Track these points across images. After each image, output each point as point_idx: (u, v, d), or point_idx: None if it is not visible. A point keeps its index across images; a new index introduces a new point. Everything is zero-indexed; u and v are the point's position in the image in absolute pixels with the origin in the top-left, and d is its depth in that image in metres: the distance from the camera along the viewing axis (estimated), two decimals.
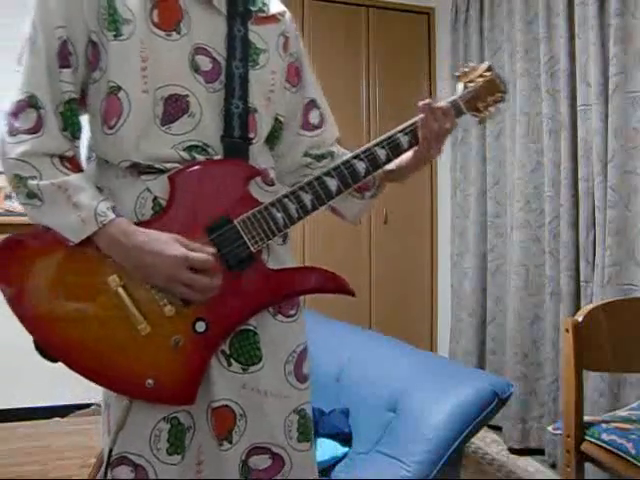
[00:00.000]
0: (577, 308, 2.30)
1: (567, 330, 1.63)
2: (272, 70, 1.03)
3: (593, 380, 2.14)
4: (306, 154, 1.14)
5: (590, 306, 1.72)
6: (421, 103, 1.04)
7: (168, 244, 0.88)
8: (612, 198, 2.12)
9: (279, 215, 0.97)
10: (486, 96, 1.12)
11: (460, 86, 1.12)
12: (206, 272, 0.90)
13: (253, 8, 1.02)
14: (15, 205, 2.79)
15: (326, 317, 2.60)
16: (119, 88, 0.92)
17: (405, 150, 1.06)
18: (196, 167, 0.94)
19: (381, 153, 1.04)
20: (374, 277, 3.42)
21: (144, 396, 0.92)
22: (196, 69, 0.95)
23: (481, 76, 1.12)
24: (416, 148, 1.06)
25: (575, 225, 2.38)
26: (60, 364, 0.91)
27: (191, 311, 0.92)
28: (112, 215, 0.89)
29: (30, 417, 2.31)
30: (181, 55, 0.94)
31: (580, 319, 1.64)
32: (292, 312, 1.04)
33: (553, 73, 2.47)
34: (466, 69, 1.13)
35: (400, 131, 1.05)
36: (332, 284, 1.03)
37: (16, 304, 0.90)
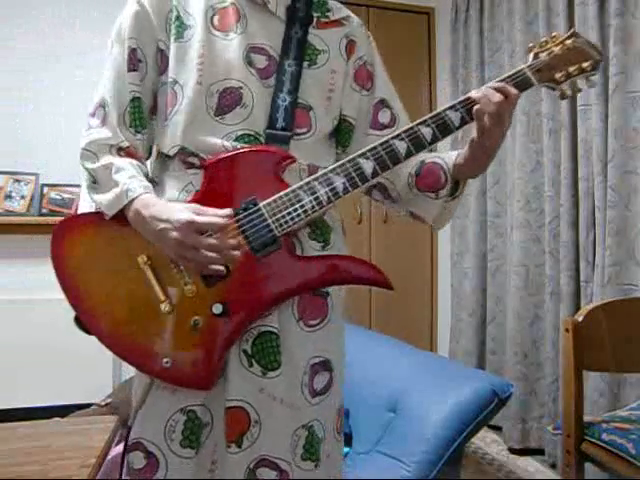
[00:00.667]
0: (577, 308, 2.30)
1: (567, 330, 1.63)
2: (332, 69, 1.04)
3: (593, 380, 2.14)
4: None
5: (590, 306, 1.72)
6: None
7: (179, 211, 0.90)
8: (612, 198, 2.11)
9: (307, 198, 0.95)
10: (567, 65, 0.97)
11: (531, 56, 0.98)
12: (215, 234, 0.89)
13: (315, 14, 1.06)
14: (15, 205, 2.79)
15: None
16: (175, 82, 1.00)
17: (456, 128, 0.97)
18: (228, 154, 0.96)
19: (425, 132, 0.97)
20: None
21: (161, 375, 0.94)
22: (250, 64, 0.99)
23: (560, 44, 0.98)
24: (472, 134, 0.96)
25: (575, 225, 2.38)
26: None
27: (212, 293, 0.93)
28: (141, 191, 0.94)
29: (30, 417, 2.30)
30: (236, 51, 0.99)
31: (580, 319, 1.64)
32: (313, 322, 1.01)
33: None
34: (544, 39, 0.98)
35: (449, 107, 0.97)
36: (366, 275, 0.99)
37: (62, 277, 0.97)
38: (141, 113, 1.02)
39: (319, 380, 1.01)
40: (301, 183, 0.95)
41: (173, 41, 1.00)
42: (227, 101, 0.98)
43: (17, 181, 2.80)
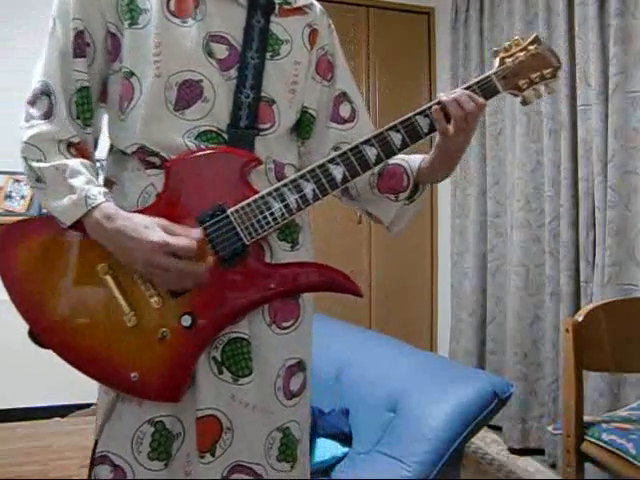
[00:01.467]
0: (577, 308, 2.30)
1: (567, 330, 1.63)
2: (295, 61, 1.00)
3: (593, 380, 2.14)
4: (336, 148, 1.05)
5: (590, 306, 1.72)
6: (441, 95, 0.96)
7: (148, 228, 0.85)
8: (612, 198, 2.11)
9: (277, 205, 0.92)
10: (529, 72, 0.99)
11: (496, 62, 1.00)
12: (188, 258, 0.86)
13: (277, 0, 1.00)
14: (15, 205, 2.79)
15: (326, 317, 2.60)
16: (131, 73, 0.92)
17: (425, 134, 0.97)
18: (191, 155, 0.91)
19: (395, 137, 0.95)
20: (374, 277, 3.42)
21: (128, 390, 0.90)
22: (210, 54, 0.93)
23: (524, 50, 0.99)
24: (437, 141, 0.97)
25: (575, 225, 2.37)
26: (58, 362, 0.90)
27: (179, 304, 0.89)
28: (102, 199, 0.87)
29: (30, 417, 2.30)
30: (195, 40, 0.93)
31: (580, 319, 1.64)
32: (287, 324, 0.98)
33: None
34: (507, 44, 1.00)
35: (419, 113, 0.96)
36: (336, 283, 0.96)
37: (12, 288, 0.90)
38: (89, 104, 0.94)
39: (295, 381, 1.00)
40: (270, 189, 0.92)
41: (127, 27, 0.92)
42: (186, 95, 0.92)
43: (17, 181, 2.80)
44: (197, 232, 0.88)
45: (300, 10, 1.03)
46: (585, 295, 2.32)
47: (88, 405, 2.56)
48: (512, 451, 2.62)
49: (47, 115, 0.91)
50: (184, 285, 0.88)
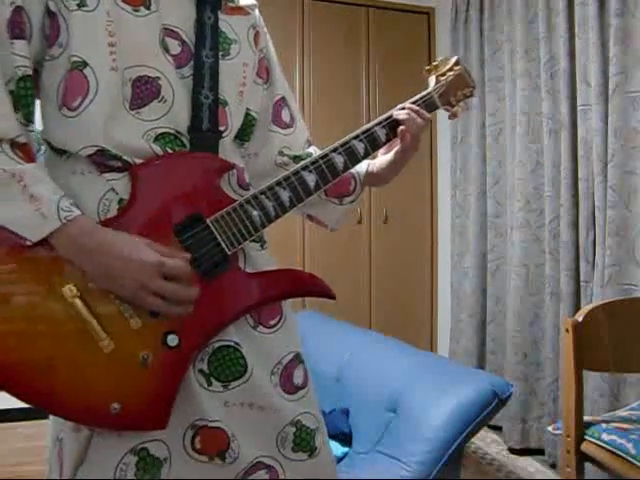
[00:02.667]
0: (577, 308, 2.30)
1: (567, 330, 1.63)
2: (244, 62, 0.97)
3: (593, 380, 2.14)
4: (281, 153, 1.08)
5: (590, 306, 1.72)
6: (397, 107, 1.05)
7: (139, 247, 0.78)
8: (612, 198, 2.11)
9: (255, 213, 0.90)
10: (456, 90, 1.12)
11: (432, 79, 1.12)
12: (180, 281, 0.80)
13: None
14: None
15: (326, 317, 2.60)
16: (85, 64, 0.81)
17: (383, 144, 1.04)
18: (161, 159, 0.85)
19: (359, 146, 1.01)
20: (374, 277, 3.42)
21: (109, 423, 0.80)
22: (166, 50, 0.87)
23: (451, 69, 1.13)
24: (396, 148, 1.05)
25: (575, 225, 2.38)
26: None
27: (160, 323, 0.82)
28: (77, 211, 0.78)
29: (30, 417, 2.30)
30: (150, 33, 0.85)
31: (580, 319, 1.64)
32: (273, 322, 0.97)
33: (553, 73, 2.47)
34: (435, 62, 1.15)
35: (377, 124, 1.03)
36: (312, 287, 0.97)
37: None
38: (32, 97, 0.82)
39: (298, 374, 0.99)
40: (248, 197, 0.90)
41: (76, 7, 0.81)
42: (141, 92, 0.84)
43: None
44: (186, 255, 0.83)
45: (243, 10, 1.00)
46: (585, 295, 2.32)
47: None
48: (512, 451, 2.62)
49: None
50: (174, 310, 0.81)
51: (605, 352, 1.66)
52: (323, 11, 3.30)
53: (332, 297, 0.96)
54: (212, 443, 0.88)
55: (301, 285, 0.97)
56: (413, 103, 1.07)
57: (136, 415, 0.81)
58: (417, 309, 3.54)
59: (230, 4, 0.97)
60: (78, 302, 0.77)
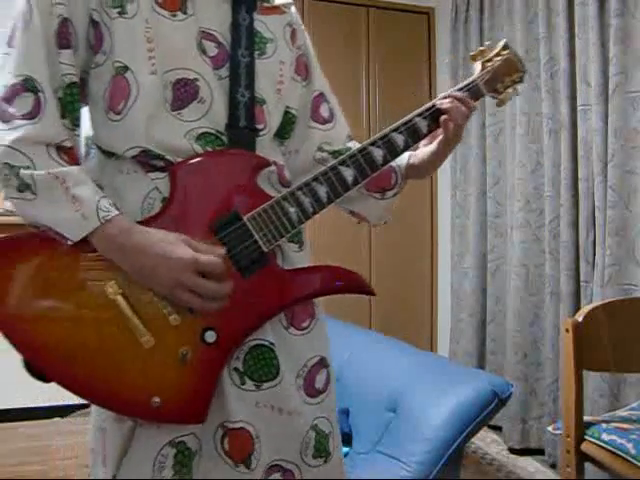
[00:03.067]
0: (577, 308, 2.30)
1: (567, 330, 1.63)
2: (280, 60, 0.98)
3: (593, 380, 2.14)
4: (320, 149, 1.07)
5: (590, 306, 1.72)
6: (441, 95, 1.01)
7: (174, 245, 0.80)
8: (612, 198, 2.11)
9: (292, 210, 0.89)
10: (504, 76, 1.06)
11: (478, 66, 1.06)
12: (216, 277, 0.82)
13: None
14: None
15: (326, 317, 2.59)
16: (126, 68, 0.85)
17: (424, 135, 1.00)
18: (199, 158, 0.87)
19: (399, 139, 0.97)
20: (374, 277, 3.42)
21: (150, 416, 0.84)
22: (204, 52, 0.89)
23: (498, 55, 1.06)
24: (439, 138, 1.01)
25: (575, 225, 2.38)
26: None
27: (199, 320, 0.84)
28: (115, 211, 0.81)
29: (30, 417, 2.30)
30: (188, 36, 0.88)
31: (580, 319, 1.64)
32: (305, 324, 0.97)
33: (553, 73, 2.47)
34: (482, 47, 1.08)
35: (418, 115, 0.99)
36: (349, 283, 0.96)
37: (4, 322, 0.80)
38: (78, 102, 0.87)
39: (320, 379, 0.99)
40: (285, 193, 0.90)
41: (117, 15, 0.84)
42: (181, 94, 0.87)
43: None
44: (221, 250, 0.84)
45: (279, 9, 1.01)
46: (585, 295, 2.32)
47: (88, 405, 2.56)
48: (512, 451, 2.62)
49: (32, 115, 0.80)
50: (208, 306, 0.83)
51: (605, 352, 1.67)
52: (323, 11, 3.31)
53: (371, 293, 0.95)
54: (239, 446, 0.89)
55: (338, 280, 0.96)
56: (457, 91, 1.03)
57: (176, 409, 0.84)
58: (417, 309, 3.54)
59: (265, 4, 0.99)
60: (120, 299, 0.81)
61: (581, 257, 2.34)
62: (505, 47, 1.07)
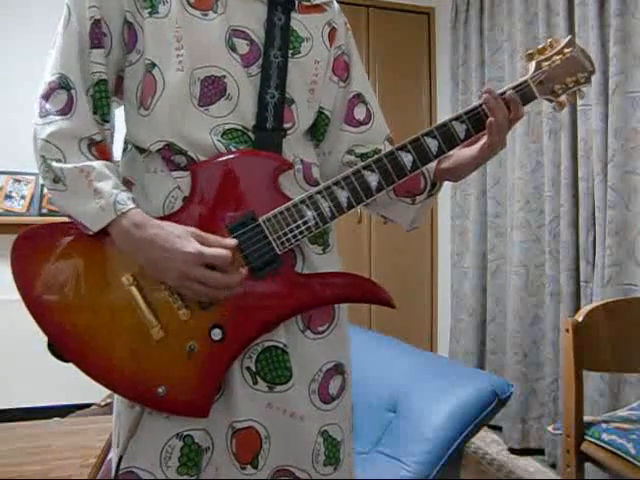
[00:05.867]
0: (577, 308, 2.30)
1: (567, 330, 1.63)
2: (315, 59, 0.97)
3: (593, 380, 2.14)
4: (350, 152, 1.04)
5: (590, 306, 1.72)
6: (484, 89, 0.92)
7: (182, 238, 0.82)
8: (612, 198, 2.12)
9: (310, 213, 0.88)
10: (565, 77, 0.96)
11: (532, 65, 0.95)
12: (223, 269, 0.83)
13: None
14: (15, 205, 2.79)
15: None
16: (154, 65, 0.89)
17: (461, 141, 0.93)
18: (220, 158, 0.88)
19: (431, 143, 0.92)
20: (374, 277, 3.41)
21: (154, 404, 0.87)
22: (233, 49, 0.90)
23: (560, 53, 0.95)
24: (481, 142, 0.93)
25: (575, 225, 2.38)
26: (70, 365, 0.87)
27: (208, 316, 0.86)
28: (131, 205, 0.84)
29: (30, 417, 2.31)
30: (217, 34, 0.90)
31: (580, 319, 1.64)
32: (322, 328, 0.96)
33: None
34: (542, 45, 0.97)
35: (455, 118, 0.93)
36: (370, 294, 0.93)
37: (30, 299, 0.86)
38: (108, 98, 0.91)
39: (334, 385, 0.98)
40: (303, 196, 0.89)
41: (148, 15, 0.88)
42: (210, 91, 0.89)
43: (17, 181, 2.80)
44: (231, 241, 0.85)
45: (319, 7, 1.00)
46: (585, 295, 2.32)
47: (88, 405, 2.56)
48: (512, 451, 2.62)
49: (65, 111, 0.86)
50: (217, 297, 0.85)
51: (605, 352, 1.67)
52: None
53: (392, 306, 0.92)
54: (245, 446, 0.90)
55: (358, 290, 0.93)
56: (506, 92, 0.94)
57: (180, 401, 0.86)
58: (417, 309, 3.54)
59: (305, 3, 0.98)
60: (134, 290, 0.85)
61: (581, 257, 2.34)
62: (569, 44, 0.96)
